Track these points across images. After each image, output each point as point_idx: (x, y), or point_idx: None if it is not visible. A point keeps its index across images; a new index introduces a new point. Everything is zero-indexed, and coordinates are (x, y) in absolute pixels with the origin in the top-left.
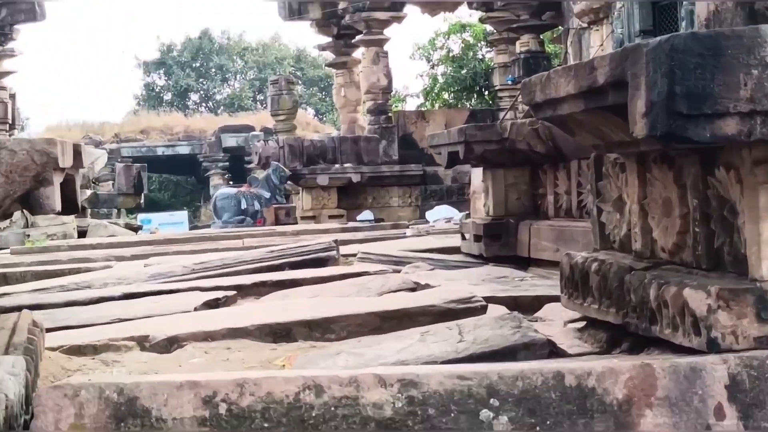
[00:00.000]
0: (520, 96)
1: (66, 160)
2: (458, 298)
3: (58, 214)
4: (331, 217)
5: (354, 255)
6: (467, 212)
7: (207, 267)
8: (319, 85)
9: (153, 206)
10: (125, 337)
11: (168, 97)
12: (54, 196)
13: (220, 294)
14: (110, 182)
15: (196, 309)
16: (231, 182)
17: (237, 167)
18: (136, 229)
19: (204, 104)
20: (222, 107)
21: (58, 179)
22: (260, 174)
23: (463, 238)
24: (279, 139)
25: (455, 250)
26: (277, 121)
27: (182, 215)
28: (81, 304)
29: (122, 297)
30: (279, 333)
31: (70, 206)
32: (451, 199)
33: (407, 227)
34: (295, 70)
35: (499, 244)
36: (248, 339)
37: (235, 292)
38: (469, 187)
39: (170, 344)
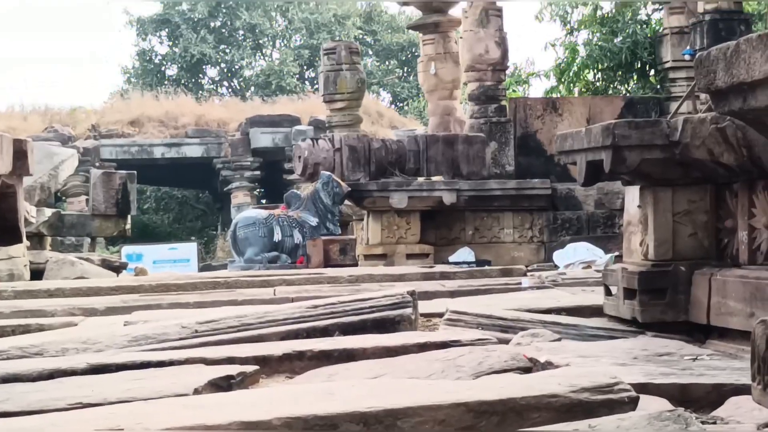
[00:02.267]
0: (696, 78)
1: (1, 163)
2: (594, 385)
3: None
4: (410, 256)
5: (440, 315)
6: (617, 253)
7: (217, 328)
8: (399, 57)
9: (145, 234)
10: None
11: (172, 72)
12: None
13: (233, 369)
14: (83, 197)
15: (197, 391)
16: (263, 201)
17: (273, 178)
18: (117, 268)
19: (226, 83)
20: (252, 88)
21: None
22: (305, 189)
23: (608, 293)
24: (334, 137)
25: (595, 312)
26: (333, 111)
27: (189, 249)
28: (26, 380)
29: (88, 371)
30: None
31: (5, 232)
32: (594, 232)
33: (524, 274)
34: (363, 34)
35: (662, 303)
36: None
37: (256, 366)
38: (622, 216)
39: None
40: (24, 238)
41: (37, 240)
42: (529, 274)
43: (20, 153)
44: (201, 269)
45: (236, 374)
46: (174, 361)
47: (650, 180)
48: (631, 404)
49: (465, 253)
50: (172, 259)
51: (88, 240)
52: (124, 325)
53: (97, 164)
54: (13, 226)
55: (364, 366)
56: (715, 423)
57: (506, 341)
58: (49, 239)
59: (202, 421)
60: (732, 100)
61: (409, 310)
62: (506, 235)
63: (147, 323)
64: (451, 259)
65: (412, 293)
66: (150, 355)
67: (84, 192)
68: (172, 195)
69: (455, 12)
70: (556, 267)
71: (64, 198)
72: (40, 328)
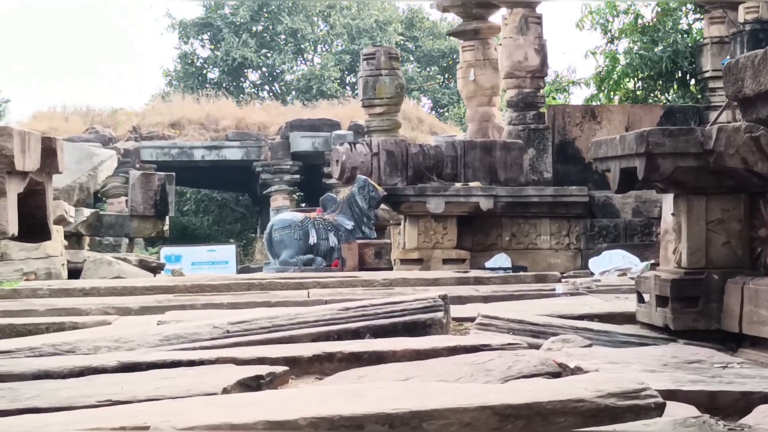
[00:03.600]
0: (725, 86)
1: (29, 160)
2: (621, 390)
3: (14, 239)
4: (446, 261)
5: (472, 320)
6: (653, 261)
7: (248, 329)
8: (440, 63)
9: (185, 236)
10: (114, 428)
11: (214, 75)
12: (5, 212)
13: (263, 369)
14: (123, 198)
15: (225, 391)
16: (302, 204)
17: (313, 182)
18: (154, 268)
19: (267, 87)
20: (293, 93)
21: (14, 188)
22: (342, 193)
23: (641, 300)
24: (372, 141)
25: (628, 319)
26: (371, 116)
27: (228, 251)
28: (57, 377)
29: (119, 368)
30: None
31: (34, 229)
32: (631, 240)
33: (558, 281)
34: (404, 40)
35: (694, 311)
36: None
37: (286, 367)
38: (659, 224)
39: None
40: (52, 236)
41: (75, 240)
42: (563, 280)
43: (49, 151)
44: (239, 271)
45: (266, 374)
46: (204, 361)
47: (684, 188)
48: (658, 410)
49: (501, 259)
50: (211, 261)
51: (126, 240)
52: (157, 324)
53: (137, 166)
54: (41, 224)
55: (393, 368)
56: (742, 431)
57: (537, 346)
58: (87, 239)
59: (228, 419)
60: (760, 108)
61: (440, 314)
62: (543, 242)
63: (179, 323)
64: (488, 264)
65: (443, 297)
66: (181, 354)
67: (124, 193)
68: (211, 197)
69: (495, 19)
70: (591, 274)
71: (104, 198)
72: (74, 327)
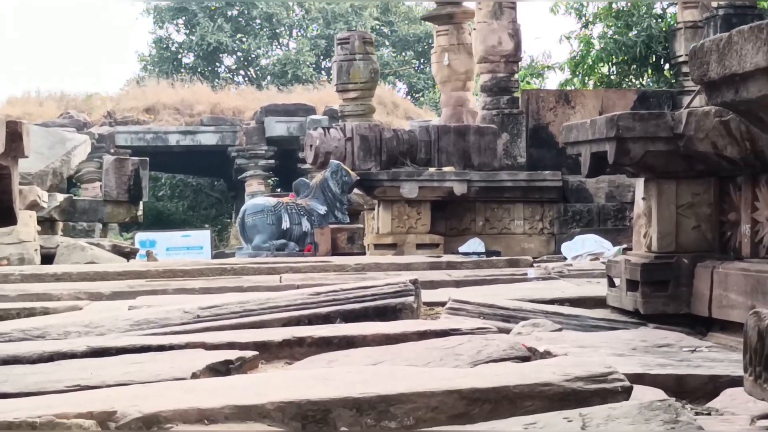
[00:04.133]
0: (690, 70)
1: None
2: (588, 374)
3: None
4: (420, 246)
5: (443, 304)
6: (625, 246)
7: (219, 314)
8: (416, 48)
9: (159, 222)
10: (81, 413)
11: (189, 60)
12: None
13: (232, 354)
14: (97, 183)
15: (194, 375)
16: (278, 189)
17: (287, 167)
18: (128, 254)
19: (242, 72)
20: (269, 78)
21: None
22: (315, 178)
23: (612, 284)
24: (346, 126)
25: (599, 303)
26: (346, 101)
27: (203, 237)
28: (26, 362)
29: (88, 353)
30: (311, 417)
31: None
32: (605, 225)
33: (530, 265)
34: (380, 25)
35: (664, 295)
36: (263, 424)
37: (256, 352)
38: (633, 209)
39: (146, 426)
40: (18, 220)
41: (48, 225)
42: (536, 265)
43: (14, 134)
44: (214, 257)
45: (235, 359)
46: (174, 346)
47: (654, 172)
48: (625, 394)
49: (475, 244)
50: (186, 246)
51: (100, 226)
52: (128, 309)
53: (111, 151)
54: (7, 208)
55: (363, 353)
56: (709, 414)
57: (507, 331)
58: (60, 224)
59: (196, 404)
60: (724, 92)
61: (411, 299)
62: (517, 227)
63: (150, 308)
64: (461, 249)
65: (414, 282)
66: (151, 339)
67: (98, 178)
68: (186, 182)
69: (469, 4)
70: (564, 259)
71: (78, 184)
72: (45, 312)
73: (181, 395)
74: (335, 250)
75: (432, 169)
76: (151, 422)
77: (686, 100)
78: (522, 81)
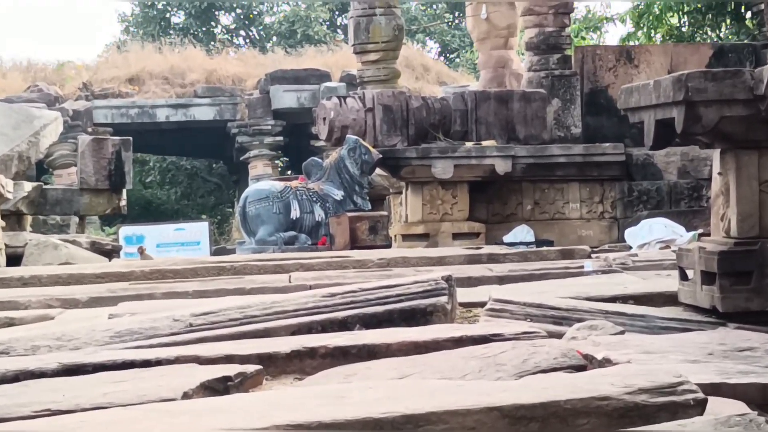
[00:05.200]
0: None
1: None
2: (654, 385)
3: None
4: (457, 236)
5: (483, 305)
6: (702, 231)
7: (215, 321)
8: (449, 0)
9: (148, 213)
10: None
11: (179, 19)
12: None
13: (231, 369)
14: (73, 169)
15: (186, 395)
16: (288, 172)
17: (299, 145)
18: (110, 252)
19: (243, 33)
20: (274, 39)
21: None
22: (329, 158)
23: (684, 277)
24: (366, 95)
25: (669, 300)
26: (365, 64)
27: (200, 229)
28: None
29: (60, 372)
30: None
31: None
32: (677, 206)
33: (587, 256)
34: None
35: (745, 289)
36: None
37: (259, 366)
38: (710, 187)
39: None
40: None
41: (14, 219)
42: (594, 256)
43: None
44: (214, 253)
45: (234, 375)
46: (162, 361)
47: (732, 142)
48: (698, 407)
49: (522, 232)
50: (180, 242)
51: (76, 219)
52: (108, 318)
53: (89, 129)
54: None
55: (387, 365)
56: None
57: (559, 335)
58: (29, 218)
59: (186, 430)
60: None
61: (443, 299)
62: (572, 211)
63: (134, 316)
64: (506, 239)
65: (448, 278)
66: (135, 353)
67: (73, 163)
68: (179, 166)
69: None
70: (628, 248)
71: (50, 170)
72: (10, 323)
73: (170, 419)
74: (354, 243)
75: (469, 144)
76: None
77: None
78: (575, 36)
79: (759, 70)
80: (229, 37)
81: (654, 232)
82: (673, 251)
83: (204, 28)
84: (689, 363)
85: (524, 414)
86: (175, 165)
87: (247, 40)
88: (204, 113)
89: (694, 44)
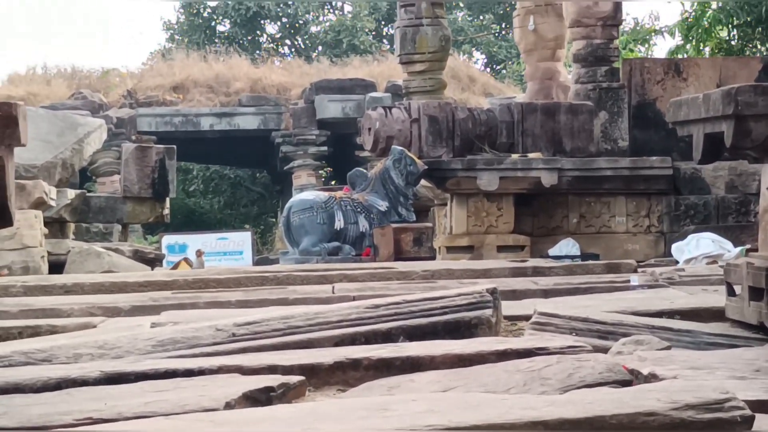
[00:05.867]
0: None
1: None
2: (700, 401)
3: None
4: (502, 248)
5: (527, 318)
6: (749, 246)
7: (258, 332)
8: (496, 10)
9: (191, 222)
10: None
11: (224, 27)
12: None
13: (274, 380)
14: (116, 176)
15: (228, 406)
16: (332, 182)
17: (343, 155)
18: (152, 261)
19: (288, 42)
20: (320, 48)
21: None
22: (374, 168)
23: (731, 293)
24: (411, 105)
25: (716, 315)
26: (411, 74)
27: (243, 239)
28: (29, 391)
29: (102, 380)
30: None
31: None
32: (725, 221)
33: (634, 271)
34: None
35: None
36: None
37: (302, 377)
38: (758, 202)
39: None
40: (11, 220)
41: (57, 227)
42: (640, 270)
43: (9, 119)
44: (256, 263)
45: (277, 386)
46: (204, 370)
47: None
48: (745, 424)
49: (568, 246)
50: (223, 251)
51: (119, 227)
52: (151, 327)
53: (133, 137)
54: (1, 206)
55: (430, 377)
56: None
57: (604, 350)
58: (72, 226)
59: None
60: None
61: (488, 312)
62: (618, 224)
63: (177, 325)
64: (551, 252)
65: (492, 291)
66: (177, 362)
67: (117, 170)
68: (222, 175)
69: None
70: (675, 262)
71: (93, 177)
72: (52, 331)
73: (212, 429)
74: (399, 254)
75: (515, 156)
76: None
77: None
78: (623, 48)
79: None
80: (275, 46)
81: (701, 247)
82: (720, 266)
83: (249, 37)
84: (736, 379)
85: (569, 428)
86: (218, 174)
87: (293, 50)
88: (248, 122)
89: (743, 58)
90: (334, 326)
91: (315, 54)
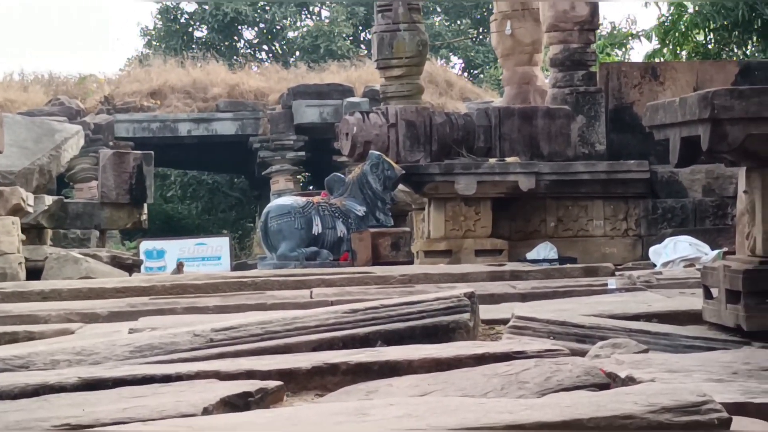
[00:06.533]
0: None
1: None
2: (677, 404)
3: None
4: (480, 253)
5: (505, 322)
6: (726, 249)
7: (236, 337)
8: (473, 15)
9: (169, 227)
10: None
11: (201, 33)
12: None
13: (252, 385)
14: (94, 182)
15: (206, 411)
16: (310, 187)
17: (321, 161)
18: (130, 266)
19: (265, 48)
20: (297, 53)
21: None
22: (352, 173)
23: (708, 295)
24: (389, 110)
25: (693, 318)
26: (388, 79)
27: (221, 244)
28: (6, 397)
29: (80, 386)
30: None
31: None
32: (702, 224)
33: (611, 274)
34: None
35: None
36: None
37: (280, 382)
38: (735, 205)
39: None
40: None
41: (35, 233)
42: (618, 273)
43: None
44: (234, 268)
45: (255, 391)
46: (182, 376)
47: (758, 160)
48: (722, 427)
49: (546, 250)
50: (201, 257)
51: (97, 233)
52: (129, 332)
53: (110, 143)
54: None
55: (408, 382)
56: None
57: (582, 353)
58: (49, 232)
59: None
60: None
61: (466, 316)
62: (596, 228)
63: (155, 331)
64: (529, 256)
65: (470, 295)
66: (155, 368)
67: (94, 177)
68: (200, 180)
69: None
70: (653, 266)
71: (71, 184)
72: (30, 337)
73: None
74: (377, 259)
75: (493, 161)
76: None
77: None
78: (600, 53)
79: None
80: (252, 52)
81: (678, 250)
82: (698, 269)
83: (227, 43)
84: (713, 382)
85: None
86: (196, 179)
87: (270, 55)
88: (226, 128)
89: (720, 61)
90: (312, 331)
91: (292, 59)
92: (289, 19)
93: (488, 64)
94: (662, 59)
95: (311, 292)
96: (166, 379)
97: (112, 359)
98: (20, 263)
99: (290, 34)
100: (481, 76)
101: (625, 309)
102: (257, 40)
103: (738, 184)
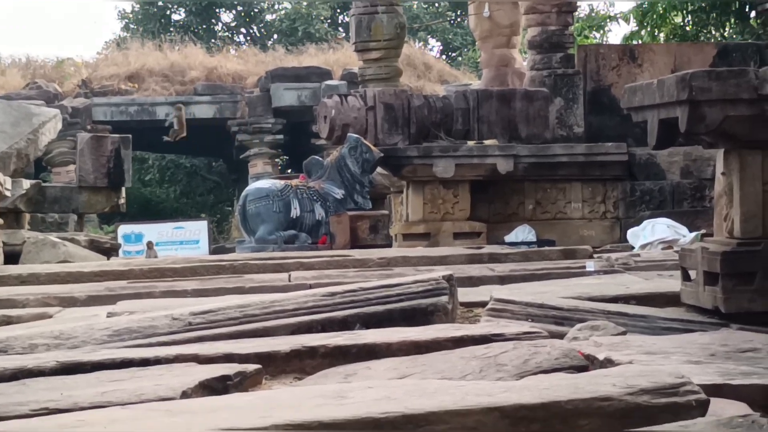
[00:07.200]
0: None
1: None
2: (655, 386)
3: None
4: (458, 235)
5: (484, 305)
6: (704, 231)
7: (214, 320)
8: None
9: (147, 211)
10: None
11: (179, 17)
12: None
13: (230, 368)
14: (72, 166)
15: (185, 394)
16: (289, 170)
17: (299, 144)
18: (108, 250)
19: (243, 31)
20: (275, 36)
21: None
22: (330, 156)
23: (686, 278)
24: (367, 93)
25: (671, 300)
26: (366, 62)
27: (199, 228)
28: None
29: (58, 370)
30: None
31: None
32: (680, 206)
33: (589, 256)
34: None
35: (749, 290)
36: None
37: (259, 366)
38: (713, 187)
39: None
40: None
41: (13, 217)
42: (596, 256)
43: None
44: (213, 252)
45: (234, 374)
46: (161, 359)
47: (736, 142)
48: (700, 408)
49: (524, 232)
50: (179, 240)
51: (75, 217)
52: (107, 316)
53: (88, 127)
54: None
55: (387, 365)
56: None
57: (560, 335)
58: (27, 216)
59: (186, 429)
60: None
61: (444, 298)
62: (574, 210)
63: (133, 315)
64: (507, 239)
65: (449, 278)
66: (133, 352)
67: (72, 160)
68: (178, 164)
69: None
70: (631, 248)
71: (49, 168)
72: (7, 321)
73: (169, 419)
74: (355, 242)
75: (471, 143)
76: None
77: None
78: (578, 35)
79: (763, 70)
80: (230, 35)
81: (656, 233)
82: (676, 252)
83: (204, 26)
84: (691, 364)
85: (525, 414)
86: (174, 163)
87: (248, 38)
88: (204, 111)
89: (698, 43)
90: (291, 314)
91: (270, 42)
92: (267, 1)
93: (466, 47)
94: (640, 41)
95: (290, 276)
96: (145, 362)
97: (90, 343)
98: None
99: (268, 17)
100: (460, 58)
101: (603, 291)
102: (235, 23)
103: (716, 166)
